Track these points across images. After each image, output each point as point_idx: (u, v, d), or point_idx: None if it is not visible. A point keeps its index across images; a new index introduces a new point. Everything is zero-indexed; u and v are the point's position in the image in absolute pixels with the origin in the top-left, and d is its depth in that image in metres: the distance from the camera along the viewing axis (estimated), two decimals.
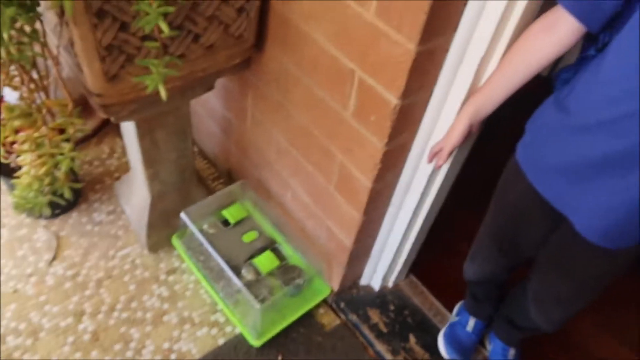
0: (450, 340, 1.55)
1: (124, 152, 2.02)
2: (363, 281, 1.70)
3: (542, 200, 1.00)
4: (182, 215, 1.57)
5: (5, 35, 0.86)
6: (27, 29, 0.97)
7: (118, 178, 1.92)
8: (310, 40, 1.19)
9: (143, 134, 1.38)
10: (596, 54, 0.88)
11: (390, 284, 1.71)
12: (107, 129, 2.08)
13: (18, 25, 0.89)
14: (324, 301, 1.66)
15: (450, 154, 1.12)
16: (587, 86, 0.87)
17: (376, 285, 1.69)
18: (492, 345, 1.55)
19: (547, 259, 1.18)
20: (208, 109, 1.85)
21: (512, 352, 1.52)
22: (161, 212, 1.64)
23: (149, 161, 1.47)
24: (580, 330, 1.69)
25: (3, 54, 0.91)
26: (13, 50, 0.89)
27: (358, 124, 1.17)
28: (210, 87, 1.36)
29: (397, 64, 0.99)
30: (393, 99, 1.04)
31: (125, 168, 1.96)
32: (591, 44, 0.90)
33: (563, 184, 0.94)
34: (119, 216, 1.81)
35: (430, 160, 1.18)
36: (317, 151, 1.37)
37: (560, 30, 0.88)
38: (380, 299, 1.69)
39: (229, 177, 1.95)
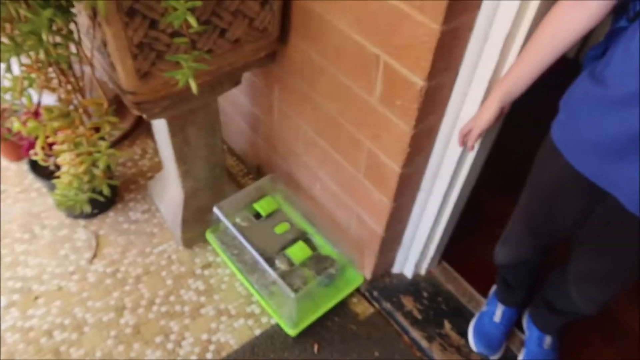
0: (478, 332, 1.54)
1: (155, 153, 2.08)
2: (395, 269, 1.71)
3: (580, 178, 0.99)
4: (215, 209, 1.61)
5: (44, 36, 0.90)
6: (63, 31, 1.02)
7: (151, 178, 1.97)
8: (333, 29, 1.20)
9: (174, 132, 1.42)
10: (628, 24, 0.87)
11: (422, 271, 1.71)
12: (138, 131, 2.14)
13: (55, 27, 0.93)
14: (357, 290, 1.67)
15: (480, 136, 1.12)
16: (622, 57, 0.85)
17: (408, 272, 1.69)
18: (528, 333, 1.54)
19: (588, 237, 1.16)
20: (235, 106, 1.88)
21: (548, 340, 1.49)
22: (195, 208, 1.68)
23: (181, 158, 1.51)
24: (624, 315, 1.65)
25: (42, 55, 0.95)
26: (52, 51, 0.93)
27: (385, 109, 1.18)
28: (237, 82, 1.39)
29: (421, 44, 0.99)
30: (419, 81, 1.05)
31: (157, 168, 2.01)
32: (622, 15, 0.89)
33: (603, 159, 0.93)
34: (154, 214, 1.86)
35: (461, 143, 1.17)
36: (344, 140, 1.38)
37: (591, 3, 0.87)
38: (414, 286, 1.69)
39: (259, 172, 1.98)
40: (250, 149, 1.96)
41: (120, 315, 1.58)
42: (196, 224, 1.72)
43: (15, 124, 1.12)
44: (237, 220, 1.64)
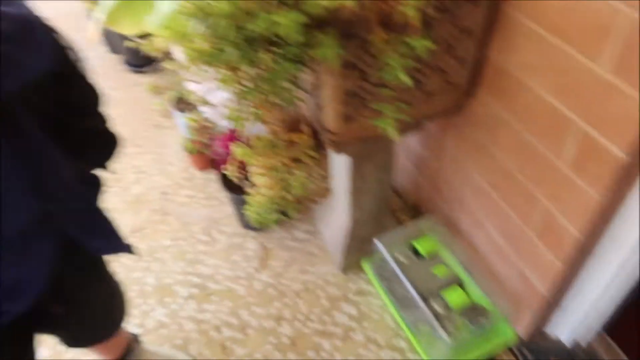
0: None
1: (321, 180, 2.24)
2: (549, 331, 1.66)
3: None
4: (376, 241, 1.70)
5: (280, 83, 1.07)
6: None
7: (316, 201, 2.14)
8: (527, 89, 1.24)
9: (355, 168, 1.54)
10: None
11: (578, 337, 1.63)
12: None
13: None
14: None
15: None
16: None
17: (563, 337, 1.63)
18: None
19: None
20: (402, 144, 1.98)
21: None
22: (357, 237, 1.79)
23: (355, 192, 1.63)
24: None
25: (273, 97, 1.12)
26: (284, 94, 1.10)
27: (572, 173, 1.18)
28: (420, 128, 1.48)
29: (628, 118, 0.99)
30: (620, 154, 1.04)
31: (322, 193, 2.17)
32: None
33: None
34: (316, 236, 2.01)
35: None
36: (518, 195, 1.40)
37: None
38: (567, 352, 1.62)
39: (415, 210, 2.05)
40: (411, 187, 2.04)
41: (279, 324, 1.74)
42: (356, 251, 1.83)
43: (239, 150, 1.32)
44: (396, 254, 1.72)
